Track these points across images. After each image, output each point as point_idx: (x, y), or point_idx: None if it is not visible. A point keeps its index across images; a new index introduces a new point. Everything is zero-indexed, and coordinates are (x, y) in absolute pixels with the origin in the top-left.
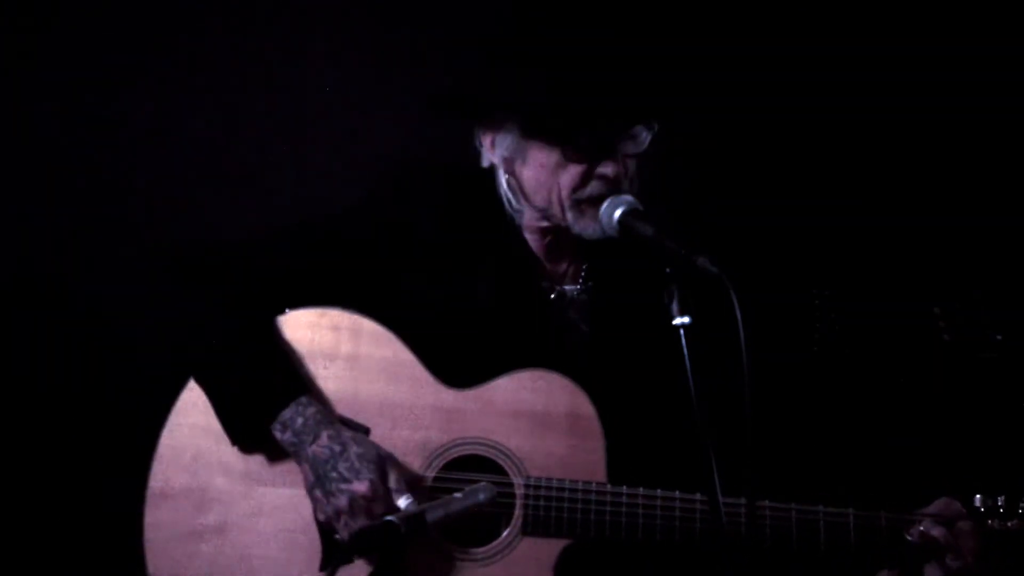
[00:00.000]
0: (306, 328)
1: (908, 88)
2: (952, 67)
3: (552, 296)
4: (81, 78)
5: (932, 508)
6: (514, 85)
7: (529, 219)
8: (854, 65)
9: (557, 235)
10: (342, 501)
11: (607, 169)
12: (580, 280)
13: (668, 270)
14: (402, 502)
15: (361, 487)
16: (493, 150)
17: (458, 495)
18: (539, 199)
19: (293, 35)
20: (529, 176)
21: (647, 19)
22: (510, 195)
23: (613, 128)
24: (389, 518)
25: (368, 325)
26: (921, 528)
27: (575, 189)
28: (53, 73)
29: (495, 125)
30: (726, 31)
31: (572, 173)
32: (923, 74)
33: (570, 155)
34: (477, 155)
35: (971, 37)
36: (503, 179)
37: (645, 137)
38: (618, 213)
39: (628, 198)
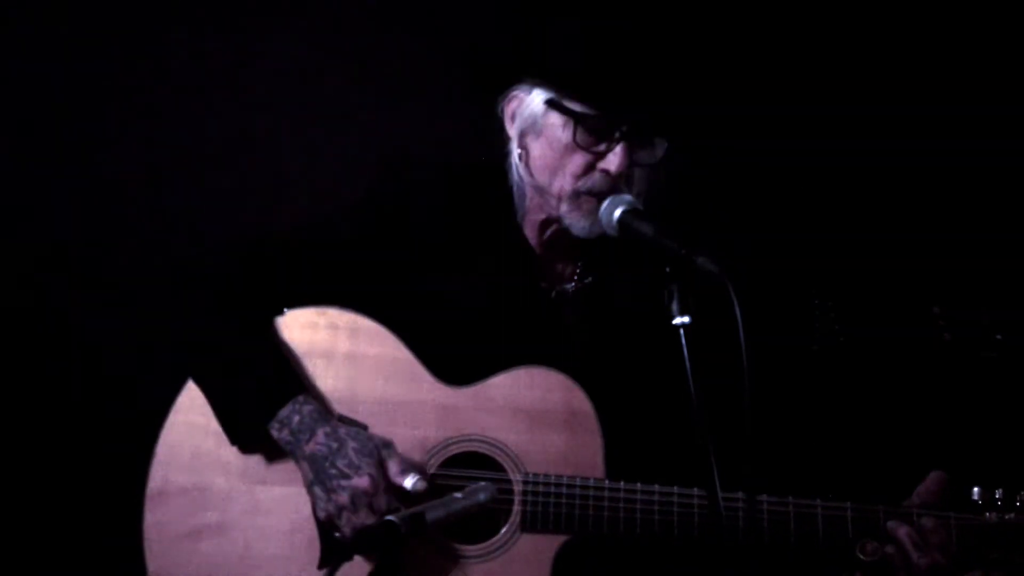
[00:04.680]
0: (304, 327)
1: (906, 95)
2: (951, 75)
3: (549, 293)
4: (82, 77)
5: (922, 487)
6: (552, 50)
7: (530, 203)
8: (859, 78)
9: (556, 229)
10: (343, 497)
11: (611, 165)
12: (576, 277)
13: (668, 269)
14: (408, 481)
15: (362, 482)
16: (512, 122)
17: (458, 495)
18: (543, 177)
19: (293, 32)
20: (538, 152)
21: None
22: (520, 167)
23: (632, 124)
24: (389, 518)
25: (366, 324)
26: (874, 544)
27: (578, 177)
28: (54, 72)
29: (523, 93)
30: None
31: (578, 160)
32: (922, 82)
33: (582, 136)
34: (483, 149)
35: (967, 48)
36: (515, 152)
37: (660, 150)
38: (618, 212)
39: (627, 197)
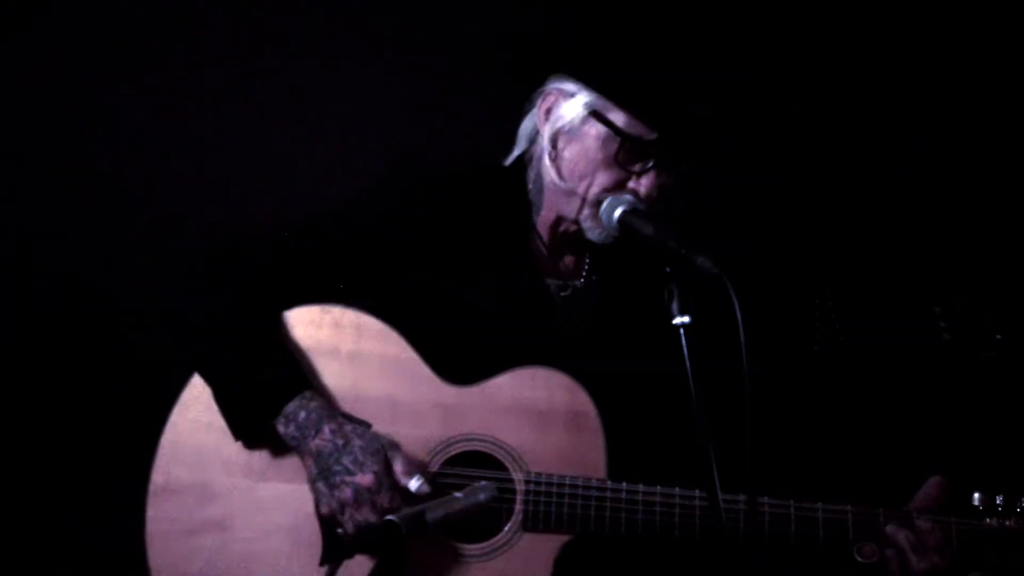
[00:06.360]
0: (309, 325)
1: (905, 89)
2: (951, 70)
3: (554, 293)
4: (85, 75)
5: (921, 492)
6: (620, 68)
7: (547, 200)
8: (860, 70)
9: (568, 228)
10: (347, 493)
11: (642, 188)
12: (583, 277)
13: (668, 269)
14: (413, 483)
15: (365, 479)
16: (547, 118)
17: (458, 495)
18: (571, 180)
19: (304, 28)
20: (570, 156)
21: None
22: (549, 167)
23: (674, 154)
24: (390, 517)
25: (370, 322)
26: (871, 547)
27: (606, 189)
28: (58, 70)
29: (564, 94)
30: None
31: (611, 174)
32: (922, 76)
33: (622, 156)
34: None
35: (969, 43)
36: (546, 150)
37: (683, 170)
38: (618, 212)
39: (628, 197)
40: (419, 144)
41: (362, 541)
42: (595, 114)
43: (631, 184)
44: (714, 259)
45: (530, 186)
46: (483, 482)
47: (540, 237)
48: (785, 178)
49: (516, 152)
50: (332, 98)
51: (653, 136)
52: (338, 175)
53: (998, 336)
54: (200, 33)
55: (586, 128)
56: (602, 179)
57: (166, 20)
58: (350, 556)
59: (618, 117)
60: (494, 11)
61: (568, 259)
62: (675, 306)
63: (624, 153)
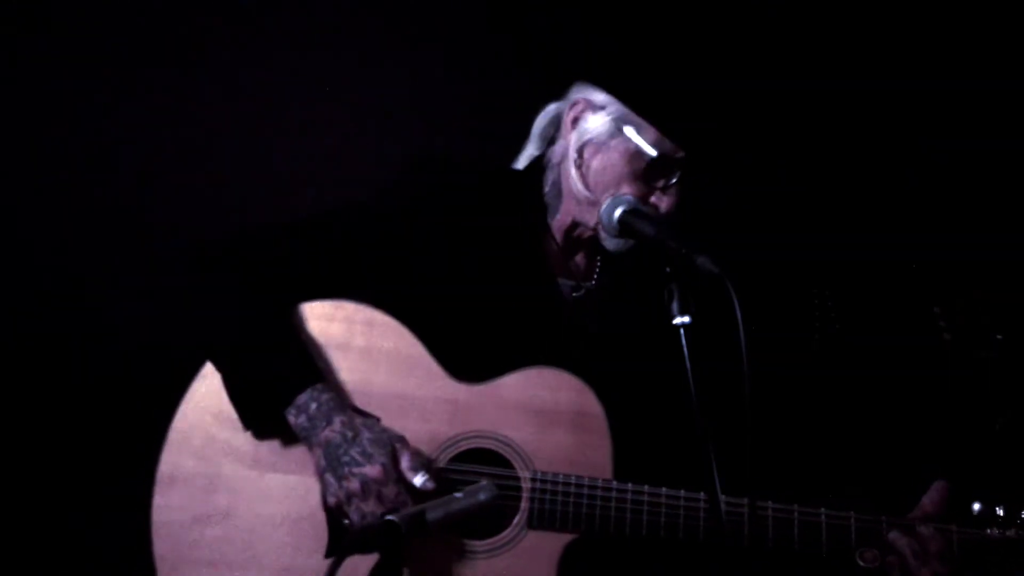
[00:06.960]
0: (321, 319)
1: (907, 96)
2: (950, 75)
3: (565, 293)
4: (85, 75)
5: (927, 497)
6: (649, 80)
7: (564, 205)
8: (862, 73)
9: (583, 233)
10: (354, 484)
11: (664, 204)
12: (594, 278)
13: (668, 269)
14: (418, 479)
15: (373, 471)
16: (573, 127)
17: (459, 494)
18: (597, 190)
19: (307, 27)
20: (596, 168)
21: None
22: (574, 175)
23: (700, 171)
24: (390, 517)
25: (381, 318)
26: (873, 552)
27: None
28: (69, 66)
29: (592, 105)
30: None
31: (634, 188)
32: (923, 82)
33: (648, 172)
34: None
35: (969, 49)
36: (571, 158)
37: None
38: (618, 212)
39: (628, 197)
40: (431, 145)
41: (362, 541)
42: (624, 129)
43: (653, 199)
44: (714, 259)
45: (546, 188)
46: (484, 482)
47: (553, 238)
48: (786, 178)
49: (531, 152)
50: (338, 98)
51: (681, 154)
52: (344, 175)
53: (998, 336)
54: (204, 32)
55: (614, 142)
56: (625, 192)
57: (172, 19)
58: (355, 552)
59: (648, 134)
60: (507, 11)
61: (580, 260)
62: (675, 306)
63: (650, 169)
